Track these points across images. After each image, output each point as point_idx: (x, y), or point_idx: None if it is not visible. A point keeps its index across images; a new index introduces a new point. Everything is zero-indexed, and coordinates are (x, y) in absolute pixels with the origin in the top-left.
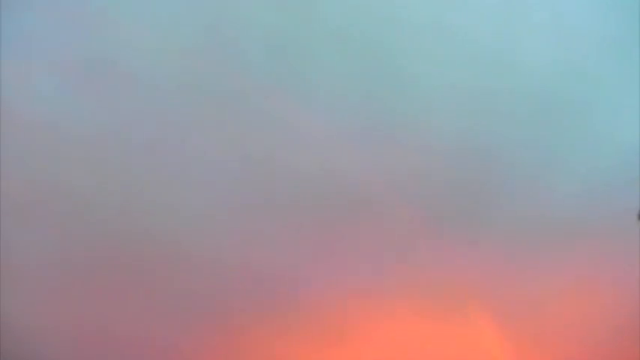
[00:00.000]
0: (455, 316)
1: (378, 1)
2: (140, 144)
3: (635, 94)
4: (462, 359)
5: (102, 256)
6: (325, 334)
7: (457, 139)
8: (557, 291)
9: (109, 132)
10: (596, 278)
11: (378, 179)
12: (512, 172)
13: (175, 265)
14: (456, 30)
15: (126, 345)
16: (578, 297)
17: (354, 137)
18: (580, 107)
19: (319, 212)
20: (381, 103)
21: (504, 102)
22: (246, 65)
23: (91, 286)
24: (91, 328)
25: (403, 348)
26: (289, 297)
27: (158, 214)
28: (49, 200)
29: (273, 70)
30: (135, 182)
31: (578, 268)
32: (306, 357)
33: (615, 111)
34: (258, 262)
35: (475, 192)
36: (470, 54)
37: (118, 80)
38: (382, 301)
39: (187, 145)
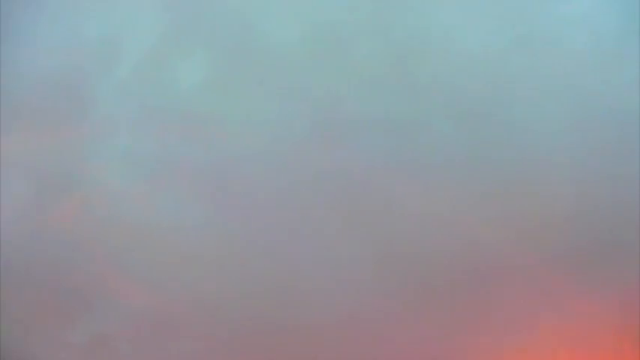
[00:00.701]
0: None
1: (481, 66)
2: (264, 242)
3: None
4: None
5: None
6: None
7: (578, 187)
8: None
9: (230, 235)
10: None
11: (511, 243)
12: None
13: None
14: (561, 79)
15: None
16: None
17: (481, 205)
18: None
19: (461, 286)
20: (500, 165)
21: (620, 154)
22: (361, 149)
23: None
24: None
25: None
26: None
27: (301, 307)
28: (192, 310)
29: (387, 151)
30: (266, 280)
31: None
32: None
33: None
34: (408, 344)
35: (605, 233)
36: (581, 105)
37: (234, 186)
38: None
39: (312, 237)
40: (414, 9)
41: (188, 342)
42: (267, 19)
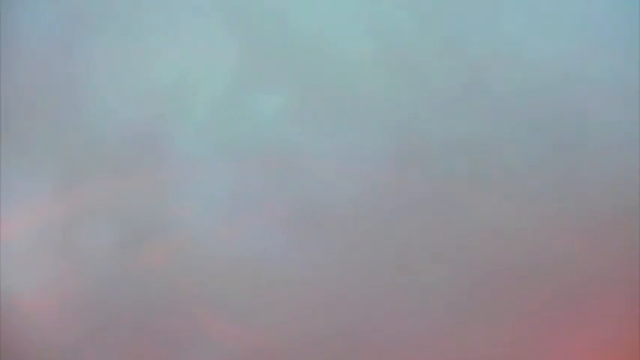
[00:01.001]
0: None
1: (555, 74)
2: (352, 271)
3: None
4: None
5: None
6: None
7: None
8: None
9: (318, 267)
10: None
11: (601, 255)
12: None
13: None
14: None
15: None
16: None
17: (569, 218)
18: None
19: (555, 300)
20: (586, 174)
21: None
22: (443, 169)
23: None
24: None
25: None
26: None
27: (394, 336)
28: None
29: (470, 168)
30: (357, 310)
31: None
32: None
33: None
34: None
35: None
36: None
37: (318, 216)
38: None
39: (402, 262)
40: (482, 24)
41: None
42: (339, 47)
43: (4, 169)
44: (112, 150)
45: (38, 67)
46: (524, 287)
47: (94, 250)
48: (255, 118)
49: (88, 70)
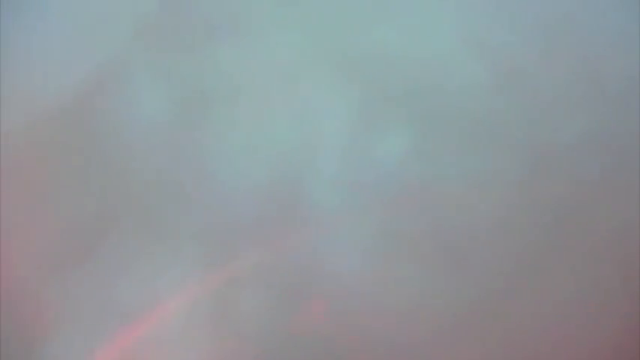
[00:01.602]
0: None
1: None
2: (504, 301)
3: None
4: None
5: None
6: None
7: None
8: None
9: (475, 304)
10: None
11: None
12: None
13: None
14: None
15: None
16: None
17: None
18: None
19: None
20: None
21: None
22: (577, 174)
23: None
24: None
25: None
26: None
27: None
28: None
29: (604, 170)
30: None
31: None
32: None
33: None
34: None
35: None
36: None
37: (465, 249)
38: None
39: (551, 284)
40: (585, 22)
41: None
42: (451, 77)
43: (149, 254)
44: (251, 216)
45: (164, 151)
46: None
47: (249, 320)
48: (383, 160)
49: (213, 144)
